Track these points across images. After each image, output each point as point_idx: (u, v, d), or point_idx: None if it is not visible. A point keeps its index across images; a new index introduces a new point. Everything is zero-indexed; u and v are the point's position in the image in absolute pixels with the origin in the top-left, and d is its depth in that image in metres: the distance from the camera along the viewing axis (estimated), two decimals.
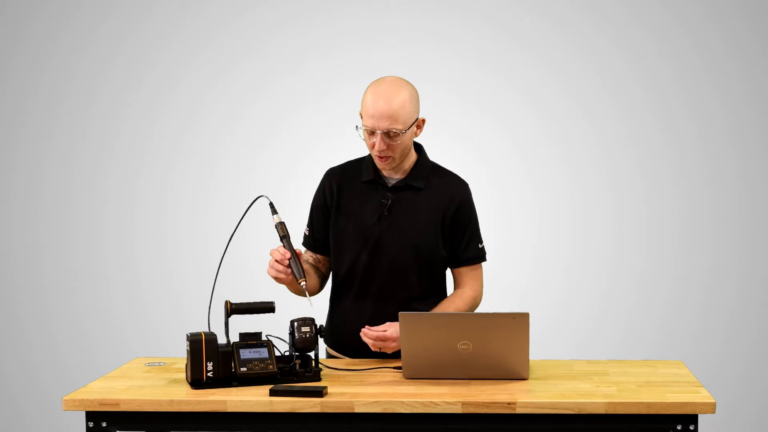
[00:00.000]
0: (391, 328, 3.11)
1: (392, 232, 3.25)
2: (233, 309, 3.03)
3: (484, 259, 3.35)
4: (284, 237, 3.15)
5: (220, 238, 3.20)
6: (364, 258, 3.27)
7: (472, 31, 5.12)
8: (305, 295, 3.13)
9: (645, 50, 5.08)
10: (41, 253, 5.27)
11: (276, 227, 3.16)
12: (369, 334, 3.11)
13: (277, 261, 3.13)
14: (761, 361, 5.02)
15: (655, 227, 5.10)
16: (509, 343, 2.91)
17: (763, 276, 5.04)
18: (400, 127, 3.13)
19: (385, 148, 3.15)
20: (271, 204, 3.15)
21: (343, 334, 3.32)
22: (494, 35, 5.12)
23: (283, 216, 3.17)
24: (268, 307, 3.06)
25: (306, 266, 3.31)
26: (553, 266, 5.13)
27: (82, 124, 5.26)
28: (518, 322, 2.89)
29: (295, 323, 3.00)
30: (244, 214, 3.12)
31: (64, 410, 2.83)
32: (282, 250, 3.14)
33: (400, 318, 2.93)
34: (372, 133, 3.14)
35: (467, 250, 3.30)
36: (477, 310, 3.32)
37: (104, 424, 2.81)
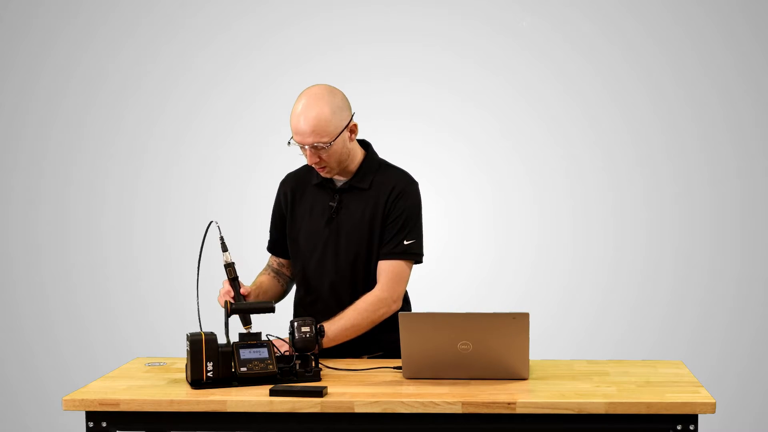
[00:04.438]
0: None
1: (340, 233, 3.26)
2: (233, 309, 3.03)
3: (406, 257, 3.22)
4: (233, 279, 3.10)
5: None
6: (315, 260, 3.28)
7: (472, 31, 5.12)
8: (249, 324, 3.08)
9: (645, 50, 5.08)
10: (41, 253, 5.27)
11: (225, 269, 3.11)
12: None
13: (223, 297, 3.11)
14: (761, 361, 5.02)
15: (655, 227, 5.10)
16: (509, 343, 2.91)
17: (763, 276, 5.04)
18: (326, 140, 3.13)
19: (317, 160, 3.17)
20: (221, 239, 3.11)
21: None
22: (494, 35, 5.12)
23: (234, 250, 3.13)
24: (268, 307, 3.06)
25: (267, 277, 3.36)
26: (553, 266, 5.13)
27: (82, 124, 5.25)
28: (518, 322, 2.89)
29: (295, 323, 3.00)
30: (202, 246, 3.08)
31: (64, 410, 2.83)
32: (227, 287, 3.10)
33: (399, 318, 2.92)
34: (303, 146, 3.15)
35: (389, 243, 3.22)
36: (476, 310, 3.29)
37: (104, 424, 2.81)
